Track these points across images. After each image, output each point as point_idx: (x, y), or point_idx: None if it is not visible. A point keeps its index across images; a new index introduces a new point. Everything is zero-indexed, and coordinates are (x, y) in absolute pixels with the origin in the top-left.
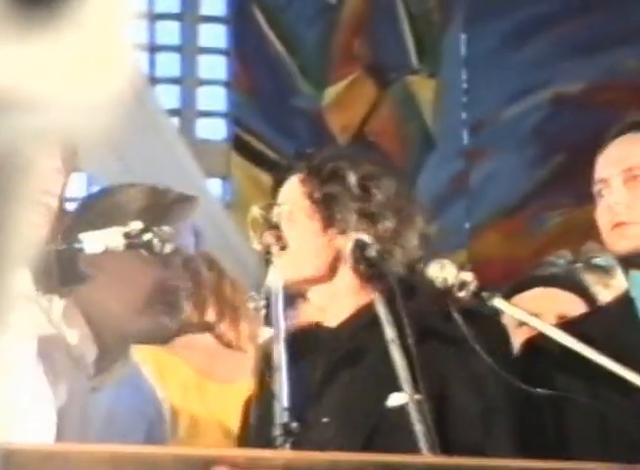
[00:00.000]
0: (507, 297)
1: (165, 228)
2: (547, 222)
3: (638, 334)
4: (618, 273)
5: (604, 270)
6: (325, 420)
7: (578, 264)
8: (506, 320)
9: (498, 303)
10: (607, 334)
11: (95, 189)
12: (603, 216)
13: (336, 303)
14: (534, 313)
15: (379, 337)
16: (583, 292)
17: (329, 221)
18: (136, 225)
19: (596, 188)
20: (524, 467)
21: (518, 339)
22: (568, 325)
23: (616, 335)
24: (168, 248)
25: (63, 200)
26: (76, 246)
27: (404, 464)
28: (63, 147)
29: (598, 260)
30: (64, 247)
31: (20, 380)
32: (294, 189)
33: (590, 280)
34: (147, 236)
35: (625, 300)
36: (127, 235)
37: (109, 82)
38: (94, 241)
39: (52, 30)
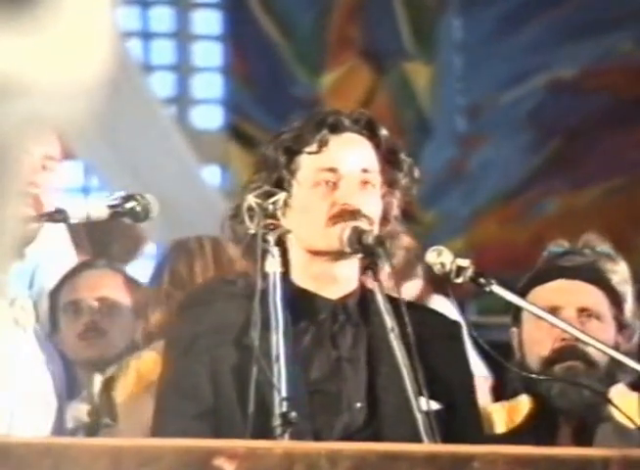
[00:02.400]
0: (528, 287)
1: (149, 196)
2: (544, 208)
3: None
4: (621, 260)
5: (609, 257)
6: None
7: (587, 251)
8: None
9: (496, 289)
10: None
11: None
12: None
13: (345, 273)
14: (555, 306)
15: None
16: (605, 284)
17: (391, 187)
18: (119, 193)
19: None
20: (520, 453)
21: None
22: None
23: None
24: (152, 215)
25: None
26: (59, 217)
27: (404, 453)
28: (52, 134)
29: (600, 249)
30: (47, 218)
31: (17, 374)
32: (371, 151)
33: (608, 269)
34: (130, 204)
35: None
36: (111, 204)
37: (93, 68)
38: (77, 211)
39: (36, 19)
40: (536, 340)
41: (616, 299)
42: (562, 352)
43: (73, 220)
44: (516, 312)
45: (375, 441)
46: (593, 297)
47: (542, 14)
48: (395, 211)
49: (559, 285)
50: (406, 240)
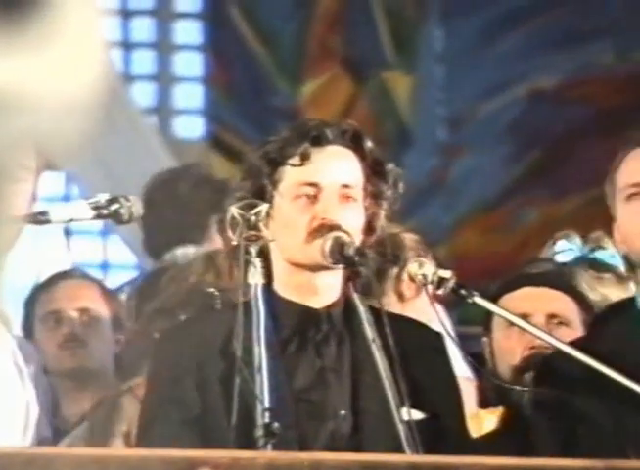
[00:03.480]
0: (497, 295)
1: (133, 198)
2: (525, 217)
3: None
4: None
5: (603, 266)
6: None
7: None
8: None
9: (478, 300)
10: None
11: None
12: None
13: (327, 284)
14: (524, 313)
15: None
16: (573, 291)
17: (377, 199)
18: (102, 196)
19: (627, 192)
20: (502, 464)
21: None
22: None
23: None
24: (135, 217)
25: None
26: (42, 218)
27: (387, 464)
28: (36, 147)
29: (600, 255)
30: (29, 219)
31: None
32: (354, 164)
33: (585, 276)
34: (114, 206)
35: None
36: (94, 206)
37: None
38: (60, 213)
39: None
40: (506, 349)
41: (584, 304)
42: (531, 360)
43: (56, 222)
44: (487, 322)
45: (361, 449)
46: (561, 303)
47: (523, 24)
48: (382, 222)
49: (527, 292)
50: (409, 237)
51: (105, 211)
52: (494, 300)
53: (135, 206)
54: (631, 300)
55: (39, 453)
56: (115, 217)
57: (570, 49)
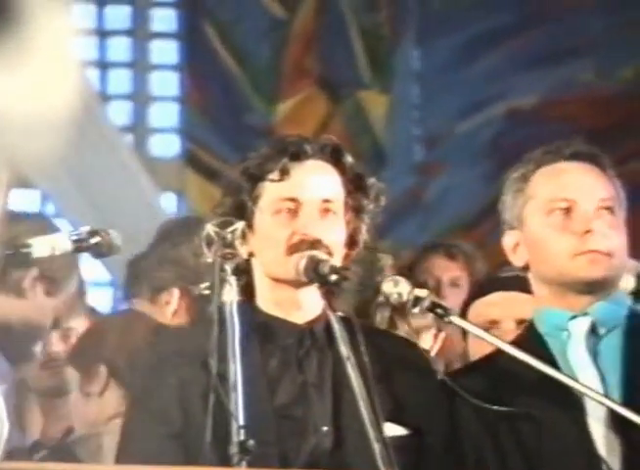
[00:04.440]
0: (468, 302)
1: (112, 232)
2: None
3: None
4: None
5: None
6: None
7: None
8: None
9: (454, 319)
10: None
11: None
12: (562, 238)
13: (309, 300)
14: (494, 319)
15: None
16: None
17: (358, 213)
18: (84, 229)
19: (550, 206)
20: None
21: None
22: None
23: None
24: (115, 251)
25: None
26: (24, 250)
27: None
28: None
29: None
30: (12, 252)
31: None
32: (334, 179)
33: None
34: (94, 239)
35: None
36: (75, 239)
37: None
38: (42, 245)
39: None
40: (479, 354)
41: None
42: None
43: (38, 254)
44: (464, 330)
45: (342, 465)
46: (531, 307)
47: (500, 43)
48: (365, 236)
49: (496, 298)
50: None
51: (85, 244)
52: (466, 306)
53: (115, 239)
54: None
55: (20, 468)
56: (95, 250)
57: (548, 68)
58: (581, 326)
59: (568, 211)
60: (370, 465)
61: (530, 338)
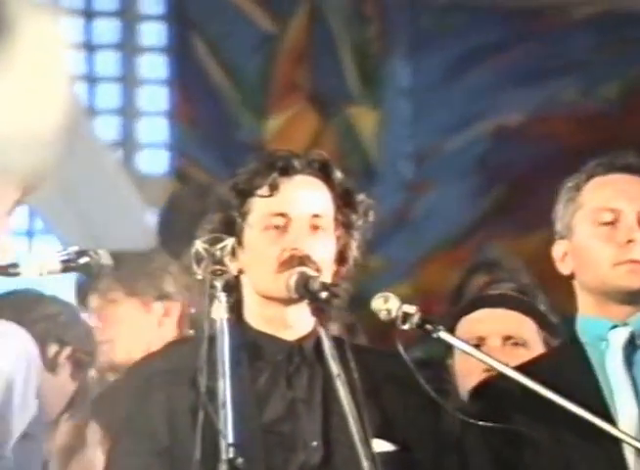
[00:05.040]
0: (455, 319)
1: (101, 252)
2: (491, 253)
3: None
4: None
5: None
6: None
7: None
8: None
9: (443, 335)
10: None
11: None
12: (606, 247)
13: (299, 317)
14: (481, 336)
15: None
16: (531, 309)
17: (348, 229)
18: (72, 249)
19: (597, 215)
20: None
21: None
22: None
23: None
24: (105, 270)
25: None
26: (13, 271)
27: None
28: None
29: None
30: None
31: None
32: (323, 194)
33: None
34: (83, 259)
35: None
36: (64, 259)
37: (44, 117)
38: (31, 266)
39: None
40: (466, 372)
41: (544, 322)
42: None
43: (26, 275)
44: (450, 345)
45: None
46: (517, 324)
47: (489, 60)
48: (355, 252)
49: (483, 315)
50: None
51: (74, 264)
52: (453, 323)
53: (104, 259)
54: None
55: None
56: (85, 271)
57: (535, 86)
58: (620, 336)
59: (614, 221)
60: None
61: (572, 347)
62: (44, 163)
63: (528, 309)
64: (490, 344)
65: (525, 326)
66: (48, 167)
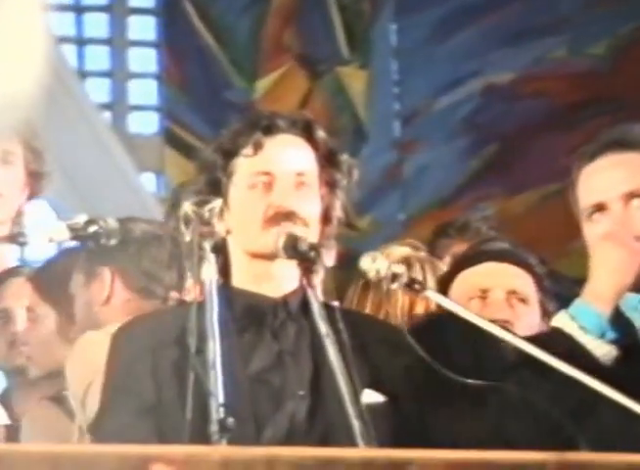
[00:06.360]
0: (455, 270)
1: (110, 221)
2: (481, 213)
3: None
4: None
5: None
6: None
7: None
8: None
9: (431, 294)
10: None
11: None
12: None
13: (284, 272)
14: (484, 288)
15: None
16: (532, 269)
17: (332, 188)
18: (81, 218)
19: (586, 212)
20: (456, 458)
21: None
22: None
23: None
24: (114, 240)
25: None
26: (22, 240)
27: (342, 458)
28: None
29: None
30: (9, 240)
31: None
32: (307, 153)
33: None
34: (92, 228)
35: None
36: (73, 228)
37: (31, 78)
38: (39, 235)
39: None
40: None
41: (541, 284)
42: None
43: (35, 243)
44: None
45: (319, 433)
46: (521, 280)
47: (477, 19)
48: (338, 212)
49: (488, 268)
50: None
51: (83, 233)
52: (452, 274)
53: (112, 226)
54: None
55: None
56: (94, 239)
57: (523, 44)
58: None
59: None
60: (348, 431)
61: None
62: (27, 123)
63: (530, 268)
64: (494, 296)
65: (527, 283)
66: (31, 129)
